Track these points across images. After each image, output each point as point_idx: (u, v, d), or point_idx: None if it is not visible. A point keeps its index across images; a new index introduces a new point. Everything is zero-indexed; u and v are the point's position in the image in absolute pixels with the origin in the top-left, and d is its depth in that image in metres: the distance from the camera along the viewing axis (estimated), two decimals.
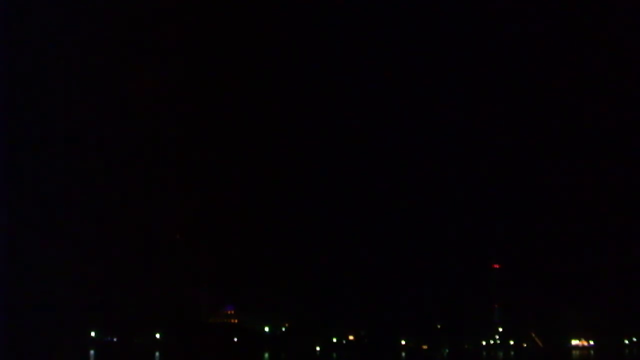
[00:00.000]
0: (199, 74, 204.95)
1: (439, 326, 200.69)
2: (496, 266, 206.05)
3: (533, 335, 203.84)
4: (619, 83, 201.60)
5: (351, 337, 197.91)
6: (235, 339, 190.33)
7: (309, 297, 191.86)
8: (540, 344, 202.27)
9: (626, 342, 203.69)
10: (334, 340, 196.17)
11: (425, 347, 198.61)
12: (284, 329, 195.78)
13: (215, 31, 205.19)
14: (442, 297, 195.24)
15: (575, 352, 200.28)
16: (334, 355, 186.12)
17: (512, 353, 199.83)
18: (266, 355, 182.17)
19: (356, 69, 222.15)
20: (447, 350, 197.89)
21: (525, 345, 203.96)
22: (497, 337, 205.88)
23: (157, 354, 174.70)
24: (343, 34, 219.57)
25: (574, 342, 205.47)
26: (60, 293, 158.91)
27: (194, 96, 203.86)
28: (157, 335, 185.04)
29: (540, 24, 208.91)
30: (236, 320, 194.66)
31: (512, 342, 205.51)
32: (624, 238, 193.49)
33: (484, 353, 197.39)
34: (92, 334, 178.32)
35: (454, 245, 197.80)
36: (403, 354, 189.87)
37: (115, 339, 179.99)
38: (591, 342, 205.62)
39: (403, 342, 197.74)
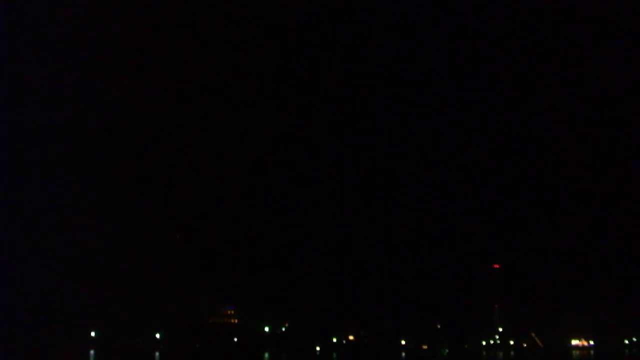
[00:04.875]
0: (197, 74, 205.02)
1: (439, 326, 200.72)
2: (496, 266, 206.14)
3: (533, 335, 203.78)
4: (619, 83, 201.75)
5: (351, 337, 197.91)
6: (235, 339, 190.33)
7: (309, 297, 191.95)
8: (540, 344, 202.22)
9: (626, 342, 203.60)
10: (334, 340, 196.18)
11: (425, 347, 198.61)
12: (284, 329, 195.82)
13: (216, 36, 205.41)
14: (442, 297, 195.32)
15: (575, 352, 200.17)
16: (334, 355, 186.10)
17: (512, 353, 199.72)
18: (266, 355, 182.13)
19: (356, 70, 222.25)
20: (447, 350, 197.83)
21: (525, 345, 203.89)
22: (497, 337, 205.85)
23: (157, 354, 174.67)
24: (344, 35, 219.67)
25: (574, 342, 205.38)
26: (60, 293, 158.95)
27: (195, 97, 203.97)
28: (157, 335, 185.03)
29: (543, 23, 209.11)
30: (236, 320, 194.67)
31: (512, 342, 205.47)
32: (624, 238, 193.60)
33: (484, 353, 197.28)
34: (92, 334, 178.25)
35: (454, 245, 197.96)
36: (403, 354, 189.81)
37: (115, 339, 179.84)
38: (591, 342, 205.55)
39: (403, 342, 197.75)
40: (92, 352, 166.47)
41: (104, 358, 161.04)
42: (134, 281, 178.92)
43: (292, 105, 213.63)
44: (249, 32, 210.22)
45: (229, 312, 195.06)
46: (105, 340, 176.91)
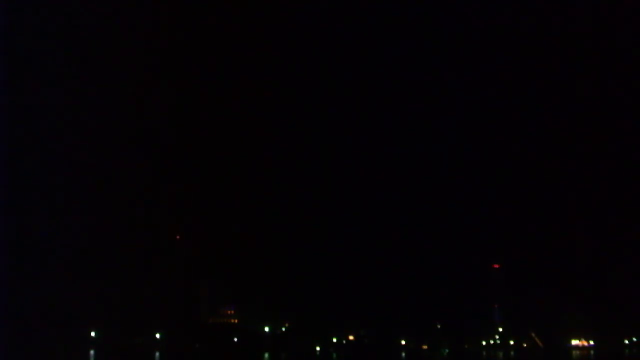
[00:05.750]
0: (199, 74, 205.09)
1: (439, 326, 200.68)
2: (496, 266, 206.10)
3: (533, 335, 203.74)
4: (619, 84, 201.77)
5: (351, 337, 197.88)
6: (235, 339, 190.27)
7: (309, 297, 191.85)
8: (540, 344, 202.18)
9: (626, 342, 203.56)
10: (334, 340, 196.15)
11: (425, 347, 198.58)
12: (284, 329, 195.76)
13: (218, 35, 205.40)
14: (442, 297, 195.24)
15: (575, 352, 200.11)
16: (334, 355, 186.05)
17: (512, 353, 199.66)
18: (266, 355, 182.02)
19: (355, 69, 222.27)
20: (447, 350, 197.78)
21: (525, 345, 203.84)
22: (497, 337, 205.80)
23: (157, 354, 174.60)
24: (344, 35, 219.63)
25: (574, 342, 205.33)
26: (60, 293, 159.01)
27: (195, 96, 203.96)
28: (157, 335, 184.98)
29: (543, 24, 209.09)
30: (236, 320, 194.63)
31: (512, 342, 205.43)
32: (624, 238, 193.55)
33: (484, 353, 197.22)
34: (92, 334, 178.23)
35: (454, 245, 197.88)
36: (403, 354, 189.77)
37: (115, 339, 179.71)
38: (591, 342, 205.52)
39: (403, 342, 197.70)
40: (92, 352, 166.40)
41: (104, 358, 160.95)
42: (134, 281, 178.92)
43: (291, 105, 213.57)
44: (250, 32, 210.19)
45: (229, 312, 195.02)
46: (105, 340, 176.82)
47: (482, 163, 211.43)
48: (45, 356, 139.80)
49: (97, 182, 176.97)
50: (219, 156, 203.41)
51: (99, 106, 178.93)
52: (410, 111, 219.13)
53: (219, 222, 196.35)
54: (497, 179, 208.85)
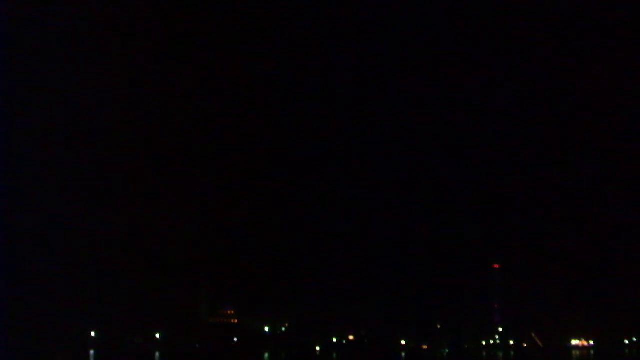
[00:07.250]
0: (202, 74, 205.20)
1: (439, 326, 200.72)
2: (496, 266, 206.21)
3: (533, 335, 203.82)
4: (619, 84, 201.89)
5: (351, 337, 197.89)
6: (235, 339, 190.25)
7: (309, 297, 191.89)
8: (540, 344, 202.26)
9: (626, 342, 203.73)
10: (334, 340, 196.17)
11: (425, 347, 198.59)
12: (284, 329, 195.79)
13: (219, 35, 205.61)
14: (442, 297, 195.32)
15: (575, 352, 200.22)
16: (334, 355, 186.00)
17: (512, 353, 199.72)
18: (266, 355, 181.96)
19: (353, 71, 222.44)
20: (447, 350, 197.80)
21: (525, 345, 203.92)
22: (497, 337, 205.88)
23: (157, 354, 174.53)
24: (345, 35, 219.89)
25: (574, 342, 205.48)
26: (60, 293, 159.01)
27: (196, 97, 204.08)
28: (157, 335, 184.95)
29: (542, 24, 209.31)
30: (236, 320, 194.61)
31: (512, 342, 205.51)
32: (624, 238, 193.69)
33: (484, 353, 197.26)
34: (92, 334, 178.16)
35: (454, 246, 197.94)
36: (403, 354, 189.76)
37: (115, 339, 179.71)
38: (591, 342, 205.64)
39: (403, 342, 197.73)
40: (92, 352, 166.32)
41: (104, 358, 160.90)
42: (134, 281, 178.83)
43: (291, 106, 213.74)
44: (250, 33, 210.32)
45: (229, 312, 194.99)
46: (105, 340, 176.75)
47: (482, 163, 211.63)
48: (45, 356, 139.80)
49: (97, 183, 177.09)
50: (219, 157, 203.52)
51: (98, 106, 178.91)
52: (411, 112, 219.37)
53: (219, 222, 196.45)
54: (497, 179, 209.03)
